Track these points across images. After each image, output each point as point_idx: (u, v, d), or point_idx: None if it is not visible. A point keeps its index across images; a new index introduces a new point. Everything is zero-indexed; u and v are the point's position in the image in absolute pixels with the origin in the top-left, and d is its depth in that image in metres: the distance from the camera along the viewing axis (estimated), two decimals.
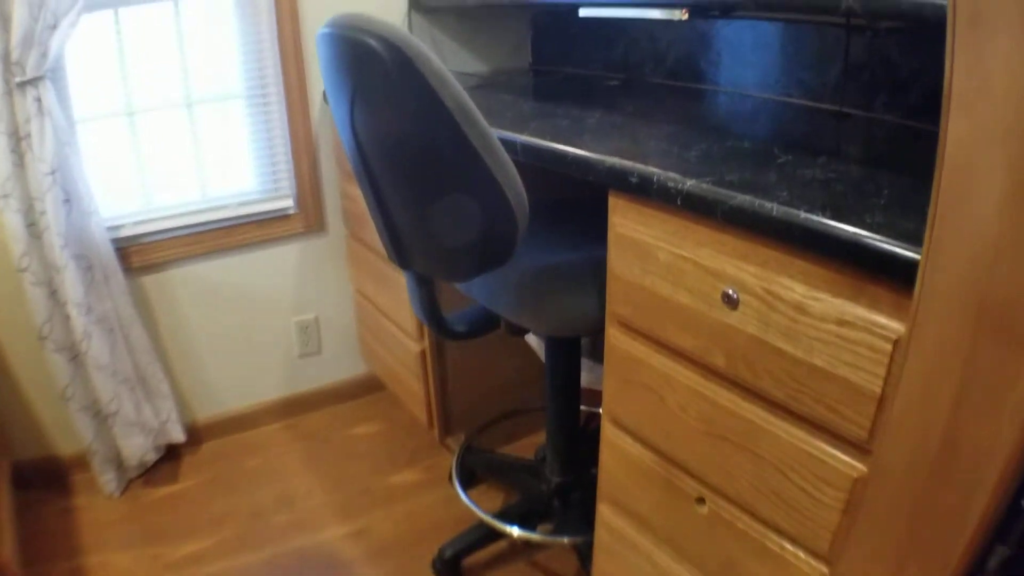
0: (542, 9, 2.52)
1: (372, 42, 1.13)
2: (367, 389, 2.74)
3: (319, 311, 2.59)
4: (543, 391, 1.87)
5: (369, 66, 1.17)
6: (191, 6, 2.15)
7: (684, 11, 1.43)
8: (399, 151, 1.26)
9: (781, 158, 1.20)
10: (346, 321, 2.65)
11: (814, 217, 0.91)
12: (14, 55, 1.77)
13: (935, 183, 0.69)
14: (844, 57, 1.63)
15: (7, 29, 1.76)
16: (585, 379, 1.94)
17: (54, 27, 1.80)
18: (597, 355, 2.05)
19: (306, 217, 2.43)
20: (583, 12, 1.81)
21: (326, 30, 1.25)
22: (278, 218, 2.40)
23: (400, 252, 1.45)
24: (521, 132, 1.44)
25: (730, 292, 1.05)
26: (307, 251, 2.49)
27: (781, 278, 0.99)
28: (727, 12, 1.67)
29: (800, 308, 0.97)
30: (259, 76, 2.27)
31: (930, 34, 1.34)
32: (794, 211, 0.94)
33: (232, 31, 2.22)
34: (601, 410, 1.44)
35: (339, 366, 2.70)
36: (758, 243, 1.01)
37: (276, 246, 2.43)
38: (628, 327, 1.31)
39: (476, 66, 2.59)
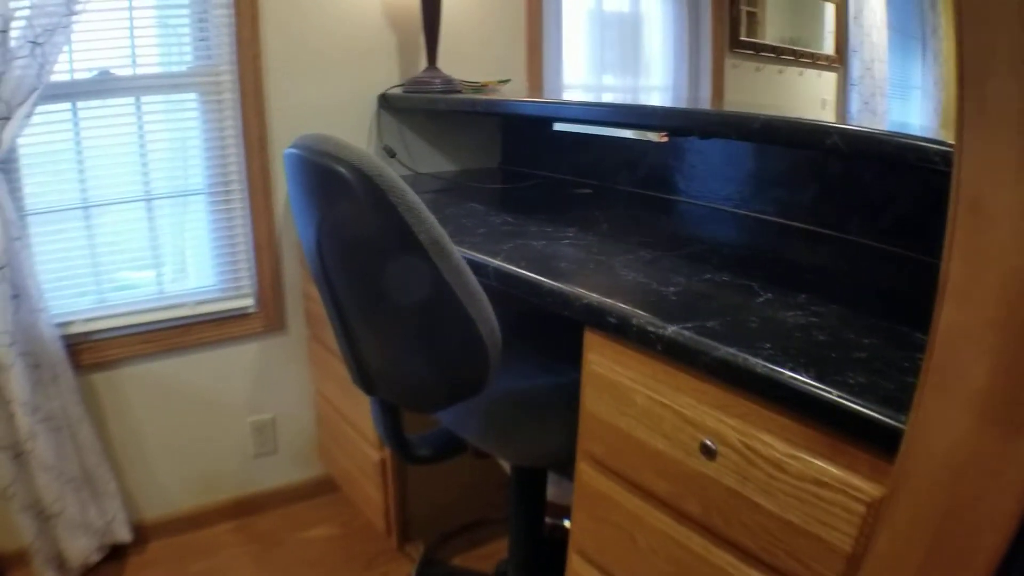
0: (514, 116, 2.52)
1: (343, 171, 1.08)
2: (323, 490, 2.64)
3: (276, 411, 2.51)
4: (506, 499, 1.81)
5: (339, 195, 1.12)
6: (153, 101, 2.12)
7: (663, 135, 1.42)
8: (367, 281, 1.21)
9: (761, 296, 1.18)
10: (304, 421, 2.57)
11: (799, 377, 0.90)
12: None
13: (924, 365, 0.68)
14: (819, 178, 1.63)
15: None
16: (551, 492, 1.88)
17: (7, 119, 1.76)
18: (563, 470, 2.00)
19: (266, 316, 2.37)
20: (557, 127, 1.80)
21: (294, 151, 1.20)
22: (237, 317, 2.33)
23: (365, 379, 1.39)
24: (494, 256, 1.41)
25: (708, 443, 1.02)
26: (266, 351, 2.43)
27: (761, 434, 0.96)
28: (707, 136, 1.67)
29: (779, 466, 0.94)
30: (222, 173, 2.23)
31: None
32: (778, 369, 0.91)
33: (195, 127, 2.19)
34: (568, 532, 1.39)
35: (295, 466, 2.60)
36: (739, 396, 0.98)
37: (234, 345, 2.36)
38: (600, 464, 1.26)
39: (445, 165, 2.58)
